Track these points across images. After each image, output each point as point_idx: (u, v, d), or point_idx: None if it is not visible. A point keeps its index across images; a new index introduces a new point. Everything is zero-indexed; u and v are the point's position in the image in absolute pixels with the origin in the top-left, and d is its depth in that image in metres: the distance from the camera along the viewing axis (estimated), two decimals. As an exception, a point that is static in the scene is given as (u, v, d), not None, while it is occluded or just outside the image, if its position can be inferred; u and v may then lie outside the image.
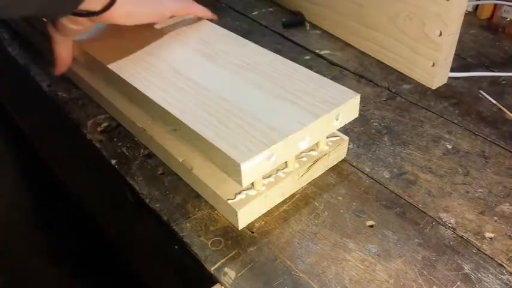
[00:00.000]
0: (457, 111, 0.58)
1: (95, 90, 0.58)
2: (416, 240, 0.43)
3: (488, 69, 0.67)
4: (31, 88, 0.67)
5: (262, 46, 0.54)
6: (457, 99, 0.61)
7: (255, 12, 0.82)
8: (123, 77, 0.49)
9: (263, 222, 0.44)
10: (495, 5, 0.77)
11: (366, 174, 0.49)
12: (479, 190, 0.48)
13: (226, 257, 0.41)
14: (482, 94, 0.61)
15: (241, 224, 0.43)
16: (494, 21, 0.78)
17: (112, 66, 0.50)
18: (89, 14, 0.46)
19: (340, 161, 0.51)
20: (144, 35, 0.56)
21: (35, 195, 0.98)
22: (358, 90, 0.62)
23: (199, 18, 0.59)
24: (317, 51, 0.70)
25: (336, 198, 0.47)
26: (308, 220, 0.45)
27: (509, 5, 0.76)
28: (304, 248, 0.42)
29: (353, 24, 0.69)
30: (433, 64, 0.61)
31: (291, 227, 0.44)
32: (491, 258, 0.41)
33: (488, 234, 0.43)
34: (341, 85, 0.47)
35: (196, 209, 0.46)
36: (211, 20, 0.60)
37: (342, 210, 0.45)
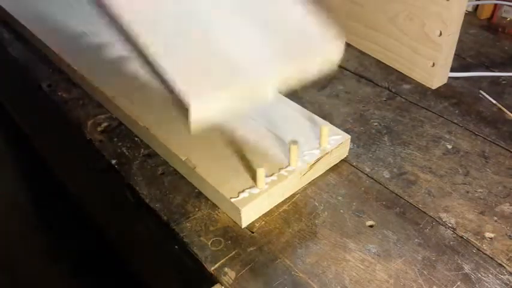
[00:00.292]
0: (457, 111, 0.58)
1: (96, 89, 0.58)
2: (416, 240, 0.43)
3: (488, 69, 0.67)
4: (31, 88, 0.67)
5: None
6: (457, 99, 0.61)
7: (255, 12, 0.82)
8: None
9: (263, 222, 0.44)
10: (495, 5, 0.77)
11: (366, 174, 0.49)
12: (479, 190, 0.48)
13: (226, 257, 0.41)
14: (482, 94, 0.61)
15: (245, 222, 0.43)
16: (494, 21, 0.78)
17: None
18: None
19: (340, 161, 0.51)
20: None
21: (35, 195, 0.97)
22: (358, 90, 0.62)
23: None
24: (317, 51, 0.70)
25: (336, 198, 0.47)
26: (308, 220, 0.44)
27: (509, 5, 0.76)
28: (304, 248, 0.42)
29: (353, 24, 0.69)
30: (433, 64, 0.60)
31: (291, 227, 0.44)
32: (491, 258, 0.41)
33: (488, 234, 0.43)
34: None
35: (196, 209, 0.46)
36: None
37: (342, 210, 0.45)
